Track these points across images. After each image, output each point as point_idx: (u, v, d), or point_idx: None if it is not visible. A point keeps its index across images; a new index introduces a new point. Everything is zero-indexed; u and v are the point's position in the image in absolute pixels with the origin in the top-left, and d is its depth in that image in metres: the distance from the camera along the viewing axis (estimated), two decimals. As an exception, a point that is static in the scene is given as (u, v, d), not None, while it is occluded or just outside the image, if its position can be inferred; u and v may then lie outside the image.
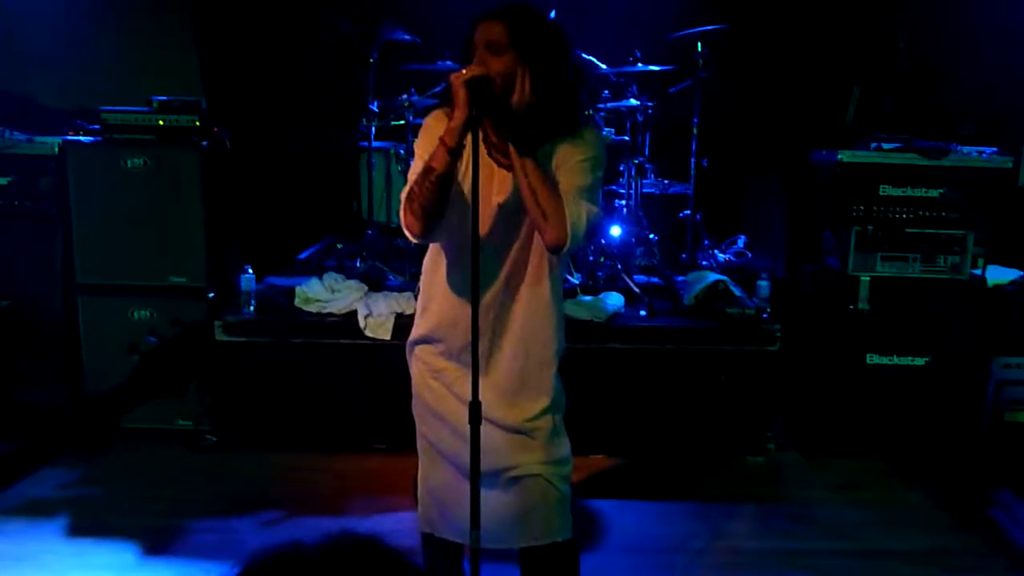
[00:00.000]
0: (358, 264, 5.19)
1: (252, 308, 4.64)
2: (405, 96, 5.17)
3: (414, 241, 2.52)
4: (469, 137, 2.33)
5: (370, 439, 4.59)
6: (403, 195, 2.47)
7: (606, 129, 5.20)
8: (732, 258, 5.81)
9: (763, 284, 4.77)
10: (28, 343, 4.70)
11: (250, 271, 4.66)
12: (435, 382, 2.65)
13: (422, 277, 2.70)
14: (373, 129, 5.18)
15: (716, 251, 5.76)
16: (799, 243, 5.22)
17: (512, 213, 2.50)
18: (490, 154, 2.46)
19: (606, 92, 5.38)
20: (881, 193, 4.54)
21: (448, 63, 5.12)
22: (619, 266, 5.04)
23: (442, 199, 2.40)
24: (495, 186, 2.50)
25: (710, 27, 5.27)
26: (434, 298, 2.63)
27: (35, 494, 4.05)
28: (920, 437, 4.63)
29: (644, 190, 5.50)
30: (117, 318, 4.63)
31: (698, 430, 4.59)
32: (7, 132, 4.73)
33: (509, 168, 2.44)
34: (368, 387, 4.54)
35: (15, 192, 4.68)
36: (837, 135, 4.91)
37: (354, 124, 5.34)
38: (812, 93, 5.47)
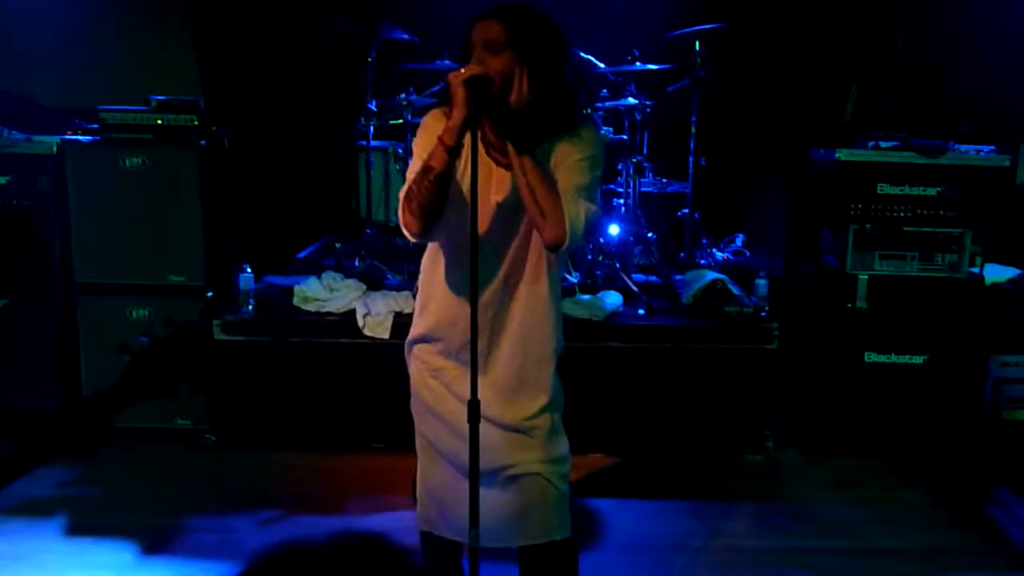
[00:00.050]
0: (357, 263, 5.19)
1: (251, 307, 4.64)
2: (403, 95, 5.18)
3: (413, 240, 2.53)
4: (468, 136, 2.33)
5: (369, 438, 4.59)
6: (401, 194, 2.48)
7: (604, 128, 5.21)
8: (730, 257, 5.82)
9: (761, 283, 4.77)
10: (27, 342, 4.70)
11: (248, 270, 4.66)
12: (434, 381, 2.66)
13: (421, 276, 2.70)
14: (372, 128, 5.19)
15: (714, 250, 5.76)
16: (797, 242, 5.22)
17: (511, 212, 2.50)
18: (488, 153, 2.47)
19: (604, 91, 5.39)
20: (879, 192, 4.55)
21: (447, 62, 5.12)
22: (617, 265, 5.04)
23: (441, 198, 2.40)
24: (493, 185, 2.50)
25: (708, 26, 5.28)
26: (433, 297, 2.64)
27: (33, 493, 4.05)
28: (918, 435, 4.64)
29: (642, 189, 5.51)
30: (116, 317, 4.62)
31: (696, 429, 4.60)
32: (6, 131, 4.72)
33: (507, 167, 2.44)
34: (367, 386, 4.55)
35: (14, 191, 4.68)
36: (835, 134, 4.92)
37: (353, 123, 5.35)
38: (810, 92, 5.48)
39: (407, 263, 5.03)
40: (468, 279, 2.35)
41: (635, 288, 4.88)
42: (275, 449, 4.57)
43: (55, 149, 4.66)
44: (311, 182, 5.99)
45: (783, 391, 4.80)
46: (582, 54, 5.25)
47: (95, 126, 4.69)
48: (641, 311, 4.71)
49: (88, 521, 3.90)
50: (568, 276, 4.90)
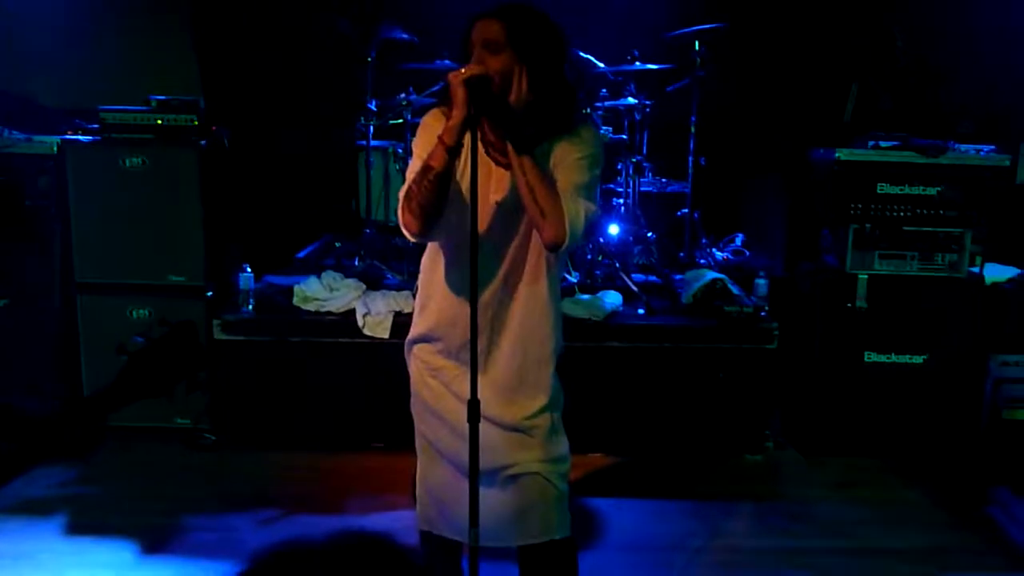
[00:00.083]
0: (356, 263, 5.19)
1: (250, 307, 4.64)
2: (403, 95, 5.18)
3: (412, 240, 2.53)
4: (468, 136, 2.33)
5: (369, 438, 4.59)
6: (401, 194, 2.48)
7: (604, 127, 5.21)
8: (730, 256, 5.82)
9: (761, 282, 4.78)
10: (27, 342, 4.70)
11: (248, 270, 4.66)
12: (433, 380, 2.66)
13: (420, 276, 2.70)
14: (371, 128, 5.18)
15: (714, 249, 5.76)
16: (797, 241, 5.22)
17: (510, 211, 2.50)
18: (488, 153, 2.47)
19: (604, 91, 5.39)
20: (879, 191, 4.55)
21: (446, 62, 5.12)
22: (617, 264, 5.04)
23: (440, 198, 2.41)
24: (493, 184, 2.50)
25: (708, 26, 5.28)
26: (432, 296, 2.64)
27: (33, 493, 4.05)
28: (918, 435, 4.64)
29: (642, 188, 5.51)
30: (116, 317, 4.63)
31: (696, 428, 4.60)
32: (6, 131, 4.73)
33: (507, 167, 2.44)
34: (366, 386, 4.55)
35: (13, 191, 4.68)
36: (835, 133, 4.92)
37: (352, 123, 5.35)
38: (810, 91, 5.47)
39: (407, 263, 5.03)
40: (468, 279, 2.35)
41: (635, 288, 4.88)
42: (275, 449, 4.58)
43: (55, 149, 4.66)
44: (311, 182, 5.99)
45: (783, 391, 4.80)
46: (582, 54, 5.25)
47: (95, 126, 4.69)
48: (641, 311, 4.71)
49: (88, 520, 3.90)
50: (568, 276, 4.90)
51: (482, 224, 2.44)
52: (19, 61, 5.32)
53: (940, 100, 5.21)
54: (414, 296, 2.80)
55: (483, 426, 2.41)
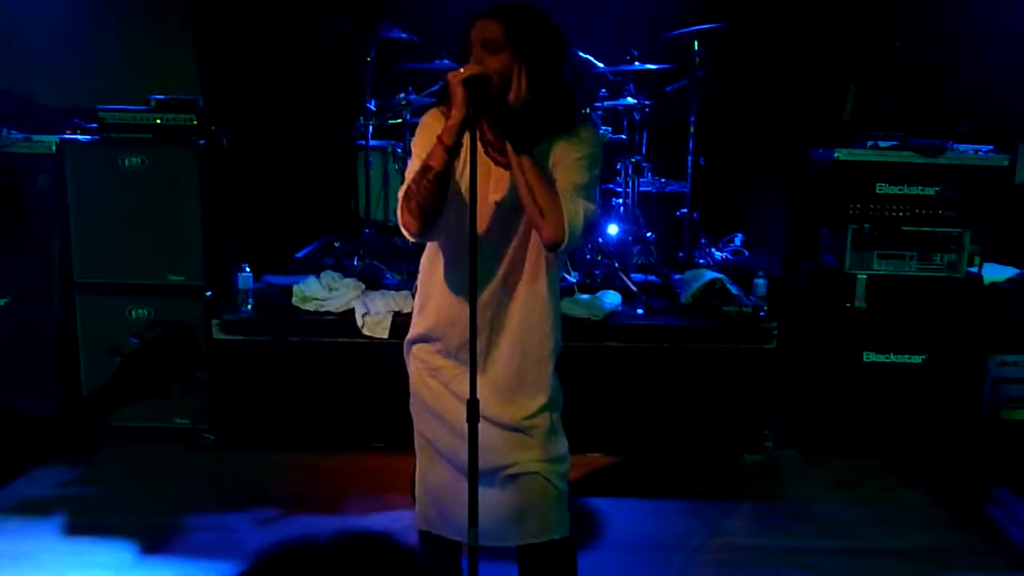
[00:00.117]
0: (355, 263, 5.19)
1: (250, 306, 4.64)
2: (403, 95, 5.18)
3: (412, 240, 2.53)
4: (467, 136, 2.33)
5: (368, 437, 4.60)
6: (400, 193, 2.48)
7: (603, 128, 5.21)
8: (729, 256, 5.82)
9: (760, 282, 4.78)
10: (26, 342, 4.70)
11: (248, 269, 4.66)
12: (433, 380, 2.66)
13: (420, 275, 2.71)
14: (371, 128, 5.19)
15: (713, 249, 5.77)
16: (796, 241, 5.23)
17: (509, 211, 2.50)
18: (487, 152, 2.47)
19: (603, 91, 5.40)
20: (878, 191, 4.55)
21: (445, 62, 5.13)
22: (616, 264, 5.04)
23: (440, 197, 2.41)
24: (492, 184, 2.50)
25: (707, 26, 5.29)
26: (432, 296, 2.64)
27: (32, 493, 4.05)
28: (917, 435, 4.64)
29: (641, 188, 5.51)
30: (115, 317, 4.62)
31: (695, 428, 4.60)
32: (4, 131, 4.72)
33: (506, 166, 2.44)
34: (366, 386, 4.55)
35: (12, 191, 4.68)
36: (834, 133, 4.92)
37: (352, 123, 5.35)
38: (809, 91, 5.48)
39: (406, 262, 5.03)
40: (467, 278, 2.35)
41: (634, 288, 4.88)
42: (274, 448, 4.58)
43: (54, 148, 4.66)
44: (310, 181, 5.99)
45: (782, 391, 4.81)
46: (581, 54, 5.26)
47: (94, 125, 4.69)
48: (640, 311, 4.72)
49: (87, 520, 3.90)
50: (567, 276, 4.90)
51: (481, 224, 2.45)
52: (18, 60, 5.32)
53: (939, 100, 5.21)
54: (413, 296, 2.81)
55: (482, 426, 2.41)
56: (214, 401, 4.61)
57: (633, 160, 5.31)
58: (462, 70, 2.33)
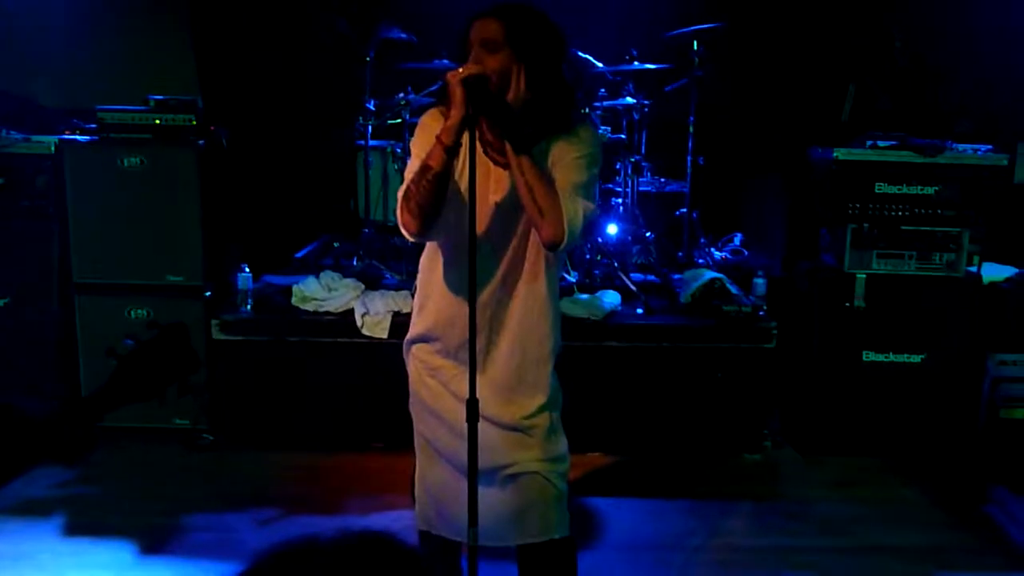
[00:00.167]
0: (355, 263, 5.19)
1: (249, 307, 4.64)
2: (402, 95, 5.18)
3: (411, 239, 2.53)
4: (466, 135, 2.33)
5: (368, 437, 4.59)
6: (400, 193, 2.48)
7: (602, 127, 5.21)
8: (728, 256, 5.82)
9: (759, 282, 4.78)
10: (25, 342, 4.70)
11: (247, 270, 4.66)
12: (432, 380, 2.66)
13: (419, 275, 2.71)
14: (370, 128, 5.18)
15: (712, 249, 5.76)
16: (795, 241, 5.23)
17: (509, 211, 2.50)
18: (486, 152, 2.47)
19: (603, 90, 5.39)
20: (877, 191, 4.55)
21: (445, 61, 5.12)
22: (616, 264, 5.04)
23: (439, 197, 2.41)
24: (492, 184, 2.50)
25: (706, 25, 5.29)
26: (431, 296, 2.64)
27: (32, 493, 4.05)
28: (916, 434, 4.64)
29: (640, 188, 5.51)
30: (114, 317, 4.62)
31: (695, 428, 4.60)
32: (4, 131, 4.72)
33: (505, 166, 2.44)
34: (365, 386, 4.55)
35: (12, 191, 4.67)
36: (833, 133, 4.92)
37: (351, 123, 5.35)
38: (808, 91, 5.48)
39: (405, 262, 5.03)
40: (467, 278, 2.35)
41: (633, 287, 4.88)
42: (274, 449, 4.58)
43: (53, 149, 4.66)
44: (309, 181, 5.98)
45: (781, 390, 4.81)
46: (580, 53, 5.25)
47: (93, 126, 4.69)
48: (639, 310, 4.72)
49: (87, 521, 3.90)
50: (566, 275, 4.90)
51: (481, 224, 2.45)
52: (18, 61, 5.32)
53: (938, 100, 5.21)
54: (412, 296, 2.80)
55: (482, 425, 2.41)
56: (213, 401, 4.61)
57: (632, 160, 5.31)
58: (461, 70, 2.33)
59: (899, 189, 4.55)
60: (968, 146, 4.57)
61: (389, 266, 5.11)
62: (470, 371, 2.37)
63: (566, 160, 2.47)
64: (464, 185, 2.42)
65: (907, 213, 4.56)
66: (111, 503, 4.06)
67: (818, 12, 5.57)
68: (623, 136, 5.36)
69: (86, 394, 4.34)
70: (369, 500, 4.08)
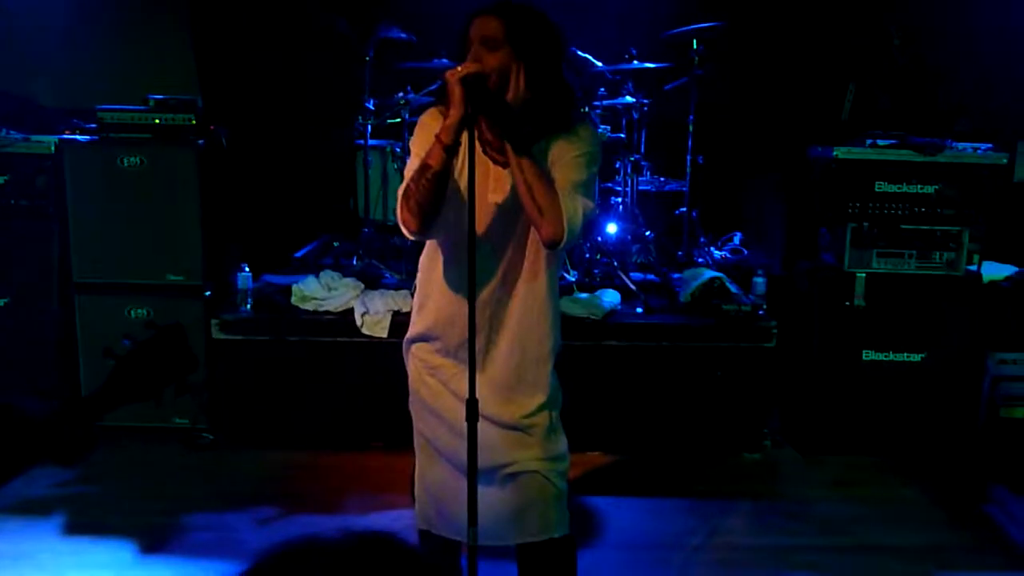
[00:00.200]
0: (355, 262, 5.19)
1: (249, 306, 4.64)
2: (401, 94, 5.17)
3: (411, 237, 2.53)
4: (465, 134, 2.33)
5: (367, 437, 4.59)
6: (400, 191, 2.48)
7: (602, 126, 5.20)
8: (728, 255, 5.82)
9: (759, 281, 4.78)
10: (25, 342, 4.70)
11: (247, 269, 4.66)
12: (431, 379, 2.66)
13: (419, 274, 2.71)
14: (369, 127, 5.18)
15: (712, 248, 5.76)
16: (795, 240, 5.23)
17: (508, 210, 2.50)
18: (485, 152, 2.46)
19: (602, 89, 5.39)
20: (877, 189, 4.55)
21: (444, 61, 5.12)
22: (615, 263, 5.04)
23: (438, 196, 2.41)
24: (491, 183, 2.50)
25: (706, 24, 5.28)
26: (431, 295, 2.64)
27: (32, 492, 4.05)
28: (916, 433, 4.64)
29: (640, 187, 5.51)
30: (114, 317, 4.62)
31: (694, 427, 4.60)
32: (3, 131, 4.72)
33: (505, 165, 2.44)
34: (365, 385, 4.55)
35: (12, 191, 4.67)
36: (833, 132, 4.92)
37: (350, 122, 5.34)
38: (808, 90, 5.48)
39: (405, 262, 5.03)
40: (466, 277, 2.35)
41: (633, 286, 4.88)
42: (273, 448, 4.58)
43: (53, 149, 4.66)
44: (309, 181, 5.98)
45: (781, 389, 4.80)
46: (580, 52, 5.25)
47: (93, 125, 4.68)
48: (639, 309, 4.72)
49: (87, 520, 3.90)
50: (566, 274, 4.90)
51: (480, 223, 2.45)
52: (17, 61, 5.32)
53: (938, 99, 5.21)
54: (412, 295, 2.80)
55: (481, 425, 2.41)
56: (213, 401, 4.61)
57: (632, 159, 5.31)
58: (459, 68, 2.33)
59: (899, 188, 4.55)
60: (968, 145, 4.58)
61: (389, 265, 5.11)
62: (469, 370, 2.37)
63: (565, 159, 2.47)
64: (464, 184, 2.41)
65: (907, 212, 4.56)
66: (111, 502, 4.06)
67: (817, 11, 5.57)
68: (622, 135, 5.36)
69: (84, 394, 4.34)
70: (369, 499, 4.09)
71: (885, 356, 4.62)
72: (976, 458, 4.55)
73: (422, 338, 2.67)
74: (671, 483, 4.37)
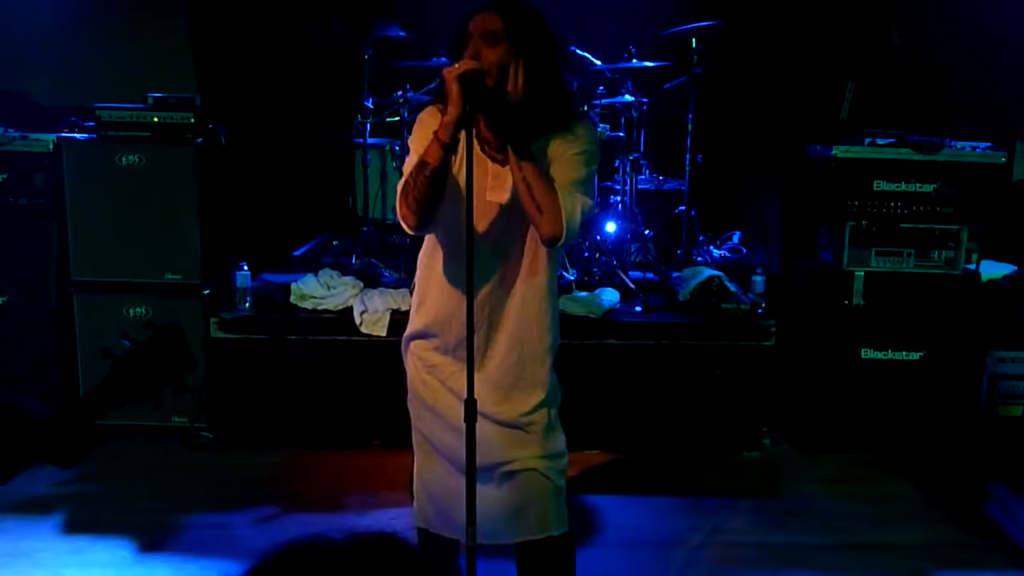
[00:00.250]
0: (353, 260, 5.19)
1: (248, 305, 4.64)
2: (400, 93, 5.17)
3: (410, 233, 2.53)
4: (464, 132, 2.33)
5: (366, 435, 4.59)
6: (399, 187, 2.48)
7: (601, 125, 5.20)
8: (727, 254, 5.82)
9: (758, 279, 4.78)
10: (24, 340, 4.70)
11: (245, 268, 4.66)
12: (430, 377, 2.65)
13: (418, 272, 2.70)
14: (368, 126, 5.18)
15: (711, 247, 5.76)
16: (794, 238, 5.23)
17: (507, 208, 2.50)
18: (483, 150, 2.47)
19: (601, 88, 5.39)
20: (875, 188, 4.55)
21: (443, 59, 5.12)
22: (614, 262, 5.04)
23: (436, 193, 2.41)
24: (490, 181, 2.50)
25: (705, 23, 5.28)
26: (430, 292, 2.64)
27: (31, 491, 4.05)
28: (915, 431, 4.65)
29: (639, 186, 5.51)
30: (112, 315, 4.62)
31: (693, 425, 4.60)
32: (2, 129, 4.72)
33: (503, 163, 2.44)
34: (364, 383, 4.55)
35: (10, 189, 4.67)
36: (832, 131, 4.92)
37: (349, 121, 5.34)
38: (807, 89, 5.48)
39: (404, 260, 5.03)
40: (465, 275, 2.35)
41: (632, 285, 4.88)
42: (272, 446, 4.58)
43: (51, 147, 4.65)
44: (308, 179, 5.98)
45: (780, 388, 4.80)
46: (579, 51, 5.26)
47: (91, 124, 4.68)
48: (638, 308, 4.72)
49: (86, 519, 3.90)
50: (565, 273, 4.90)
51: (479, 221, 2.45)
52: (16, 59, 5.31)
53: (937, 97, 5.21)
54: (411, 293, 2.80)
55: (480, 423, 2.41)
56: (212, 400, 4.61)
57: (631, 157, 5.31)
58: (457, 66, 2.33)
59: (898, 187, 4.55)
60: (967, 143, 4.58)
61: (387, 264, 5.11)
62: (468, 369, 2.36)
63: (564, 157, 2.47)
64: (463, 181, 2.41)
65: (906, 211, 4.56)
66: (110, 501, 4.06)
67: (817, 10, 5.57)
68: (622, 134, 5.36)
69: (83, 394, 4.34)
70: (368, 498, 4.09)
71: (884, 354, 4.62)
72: (975, 456, 4.55)
73: (420, 335, 2.67)
74: (670, 481, 4.37)
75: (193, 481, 4.30)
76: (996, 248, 4.86)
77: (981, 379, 4.60)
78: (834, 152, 4.55)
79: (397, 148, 5.24)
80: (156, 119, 4.63)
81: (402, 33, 5.30)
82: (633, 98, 5.32)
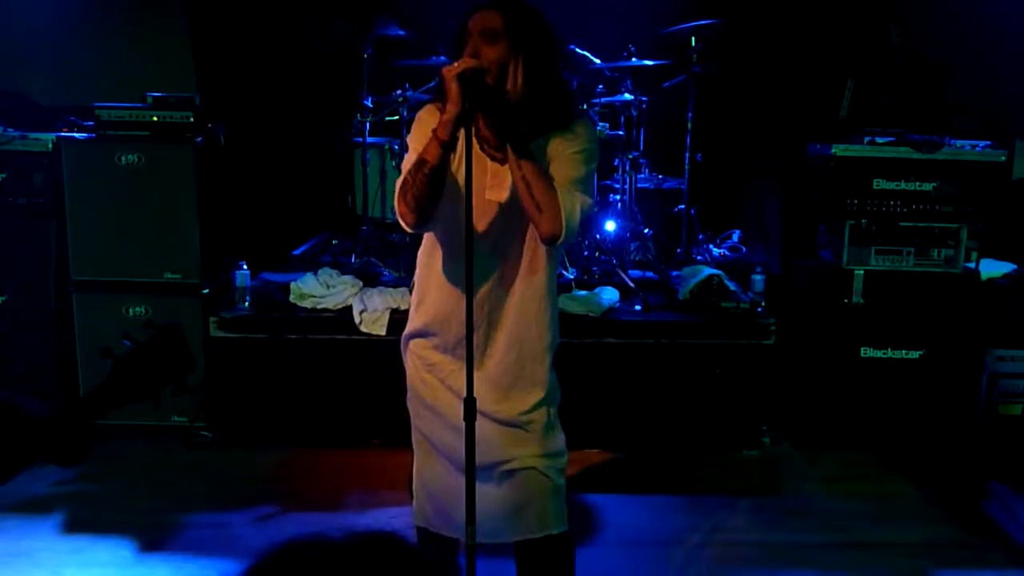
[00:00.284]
0: (353, 260, 5.19)
1: (247, 304, 4.64)
2: (399, 91, 5.17)
3: (409, 231, 2.53)
4: (462, 131, 2.33)
5: (366, 434, 4.59)
6: (398, 184, 2.48)
7: (600, 123, 5.20)
8: (727, 253, 5.82)
9: (758, 278, 4.78)
10: (23, 340, 4.69)
11: (245, 267, 4.66)
12: (429, 376, 2.65)
13: (417, 271, 2.70)
14: (367, 125, 5.18)
15: (711, 245, 5.77)
16: (794, 237, 5.23)
17: (506, 206, 2.50)
18: (482, 148, 2.47)
19: (600, 87, 5.39)
20: (875, 187, 4.55)
21: (442, 58, 5.12)
22: (614, 261, 5.04)
23: (435, 191, 2.41)
24: (489, 179, 2.50)
25: (704, 22, 5.28)
26: (429, 291, 2.63)
27: (31, 491, 4.05)
28: (914, 430, 4.65)
29: (639, 185, 5.51)
30: (112, 315, 4.62)
31: (693, 424, 4.60)
32: (1, 128, 4.72)
33: (502, 162, 2.44)
34: (363, 382, 4.55)
35: (10, 189, 4.67)
36: (831, 129, 4.92)
37: (348, 120, 5.34)
38: (806, 87, 5.48)
39: (403, 259, 5.03)
40: (464, 273, 2.35)
41: (631, 284, 4.88)
42: (272, 446, 4.58)
43: (51, 146, 4.65)
44: (307, 179, 5.98)
45: (780, 386, 4.80)
46: (578, 50, 5.25)
47: (91, 123, 4.68)
48: (638, 307, 4.72)
49: (86, 518, 3.90)
50: (564, 272, 4.90)
51: (478, 219, 2.44)
52: (15, 59, 5.31)
53: (936, 96, 5.21)
54: (411, 292, 2.80)
55: (479, 421, 2.41)
56: (212, 399, 4.61)
57: (630, 156, 5.31)
58: (456, 64, 2.33)
59: (897, 185, 4.55)
60: (966, 142, 4.58)
61: (387, 263, 5.11)
62: (467, 368, 2.36)
63: (563, 155, 2.47)
64: (462, 179, 2.41)
65: (905, 209, 4.56)
66: (110, 500, 4.06)
67: (816, 9, 5.57)
68: (621, 132, 5.36)
69: (83, 394, 4.34)
70: (367, 497, 4.09)
71: (883, 353, 4.62)
72: (974, 455, 4.55)
73: (420, 334, 2.67)
74: (670, 480, 4.37)
75: (193, 481, 4.30)
76: (996, 246, 4.85)
77: (981, 377, 4.59)
78: (834, 151, 4.55)
79: (396, 147, 5.24)
80: (155, 118, 4.63)
81: (401, 32, 5.30)
82: (632, 97, 5.32)
